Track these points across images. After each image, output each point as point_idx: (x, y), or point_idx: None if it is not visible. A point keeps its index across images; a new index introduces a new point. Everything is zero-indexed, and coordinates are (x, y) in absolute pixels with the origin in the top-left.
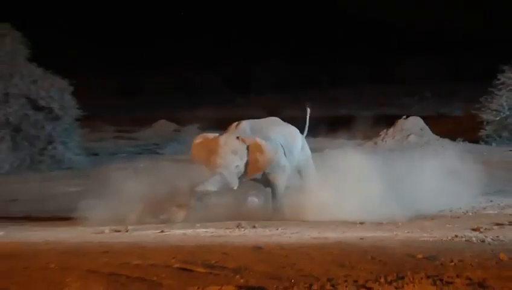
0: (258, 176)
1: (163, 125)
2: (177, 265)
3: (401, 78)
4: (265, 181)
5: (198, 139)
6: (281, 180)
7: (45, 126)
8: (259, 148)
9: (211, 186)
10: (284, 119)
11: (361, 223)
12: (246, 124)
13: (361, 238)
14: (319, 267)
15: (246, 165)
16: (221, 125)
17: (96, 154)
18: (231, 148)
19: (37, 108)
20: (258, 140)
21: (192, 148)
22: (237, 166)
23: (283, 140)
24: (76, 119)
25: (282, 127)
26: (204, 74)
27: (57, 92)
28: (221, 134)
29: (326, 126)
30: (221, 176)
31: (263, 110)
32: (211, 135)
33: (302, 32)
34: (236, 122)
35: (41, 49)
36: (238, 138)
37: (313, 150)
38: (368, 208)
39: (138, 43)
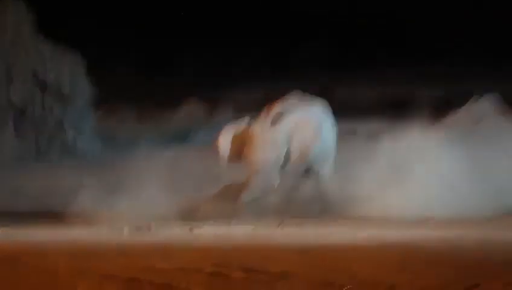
0: (301, 165)
1: (193, 109)
2: (209, 269)
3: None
4: (309, 172)
5: (225, 132)
6: (328, 168)
7: (54, 109)
8: (302, 129)
9: (253, 193)
10: (334, 101)
11: (429, 218)
12: (279, 107)
13: (428, 237)
14: (377, 271)
15: (287, 154)
16: (262, 108)
17: (113, 142)
18: (268, 138)
19: (45, 88)
20: (300, 118)
21: (218, 143)
22: (277, 158)
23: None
24: (90, 101)
25: (318, 105)
26: (244, 48)
27: (67, 68)
28: (250, 122)
29: (384, 108)
30: (262, 176)
31: (311, 92)
32: (241, 125)
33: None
34: (268, 107)
35: (49, 19)
36: (273, 124)
37: (369, 134)
38: (438, 200)
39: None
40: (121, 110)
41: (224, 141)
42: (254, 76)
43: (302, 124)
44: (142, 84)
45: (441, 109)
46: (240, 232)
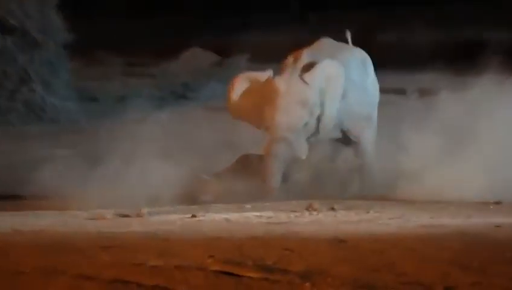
0: (336, 132)
1: (197, 57)
2: (215, 267)
3: None
4: (347, 140)
5: (239, 81)
6: (370, 134)
7: (17, 57)
8: (338, 85)
9: (276, 169)
10: (376, 49)
11: (496, 203)
12: (307, 55)
13: (496, 226)
14: (431, 269)
15: (319, 118)
16: (283, 57)
17: (95, 100)
18: (297, 96)
19: (5, 30)
20: (336, 71)
21: (229, 96)
22: (306, 124)
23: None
24: (65, 48)
25: (356, 52)
26: None
27: (35, 6)
28: (274, 73)
29: (442, 57)
30: (286, 145)
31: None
32: (261, 75)
33: None
34: (293, 54)
35: None
36: (302, 77)
37: (423, 92)
38: (509, 180)
39: None
40: (104, 60)
41: (238, 95)
42: (276, 16)
43: (338, 79)
44: (131, 27)
45: None
46: (256, 219)
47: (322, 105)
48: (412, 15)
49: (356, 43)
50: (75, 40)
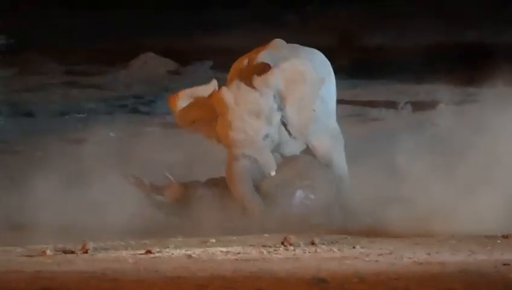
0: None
1: (150, 63)
2: None
3: None
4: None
5: (180, 99)
6: (338, 151)
7: None
8: (298, 78)
9: (248, 188)
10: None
11: (505, 236)
12: (261, 57)
13: (505, 265)
14: None
15: (280, 126)
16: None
17: (30, 116)
18: (248, 106)
19: None
20: (295, 63)
21: (174, 110)
22: (267, 135)
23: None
24: None
25: (317, 54)
26: None
27: None
28: (219, 81)
29: (438, 63)
30: (250, 161)
31: (327, 34)
32: (204, 89)
33: None
34: (245, 57)
35: None
36: (253, 83)
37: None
38: None
39: None
40: (41, 67)
41: (183, 112)
42: (241, 14)
43: (300, 81)
44: (72, 26)
45: None
46: (222, 256)
47: (281, 109)
48: (405, 14)
49: (338, 47)
50: (4, 43)
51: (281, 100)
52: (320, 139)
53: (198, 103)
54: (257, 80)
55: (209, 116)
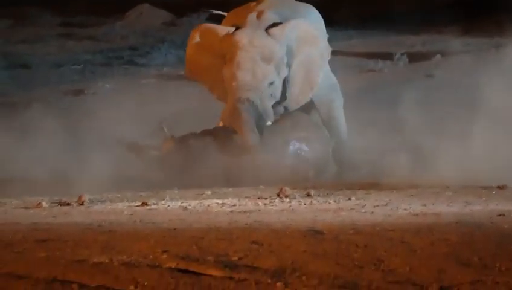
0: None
1: (147, 14)
2: (170, 264)
3: None
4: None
5: (198, 35)
6: (340, 110)
7: None
8: (310, 40)
9: (250, 119)
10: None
11: (500, 187)
12: (269, 14)
13: (500, 215)
14: (425, 266)
15: (284, 83)
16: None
17: (26, 67)
18: (261, 50)
19: None
20: (308, 24)
21: (188, 53)
22: (272, 84)
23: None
24: None
25: (312, 11)
26: None
27: None
28: (235, 27)
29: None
30: (251, 106)
31: None
32: (222, 29)
33: None
34: (255, 9)
35: None
36: (268, 31)
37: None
38: None
39: None
40: (37, 19)
41: (195, 50)
42: None
43: (311, 43)
44: None
45: None
46: (218, 208)
47: (289, 66)
48: None
49: None
50: None
51: (290, 57)
52: (320, 95)
53: (210, 45)
54: (274, 29)
55: (218, 64)
